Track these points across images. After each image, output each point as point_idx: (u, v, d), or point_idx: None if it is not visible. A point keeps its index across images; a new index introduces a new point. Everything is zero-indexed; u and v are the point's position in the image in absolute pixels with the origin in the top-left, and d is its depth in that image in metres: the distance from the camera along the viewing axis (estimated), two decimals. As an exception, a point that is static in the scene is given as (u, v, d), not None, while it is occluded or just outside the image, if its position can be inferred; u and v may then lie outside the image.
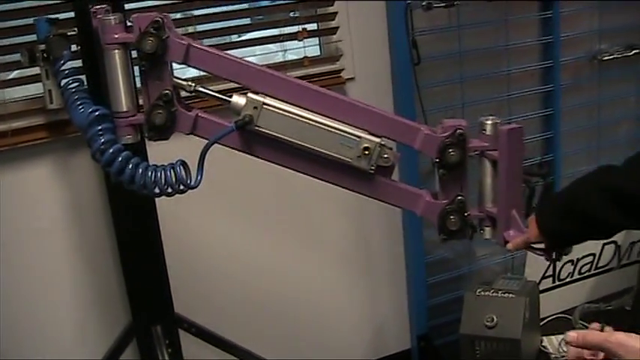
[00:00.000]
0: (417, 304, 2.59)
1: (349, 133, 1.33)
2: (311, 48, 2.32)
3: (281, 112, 1.30)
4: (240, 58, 1.35)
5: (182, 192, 1.33)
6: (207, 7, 2.19)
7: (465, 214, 1.42)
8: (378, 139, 1.34)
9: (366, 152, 1.33)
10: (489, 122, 1.41)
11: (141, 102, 1.35)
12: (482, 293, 2.28)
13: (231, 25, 2.23)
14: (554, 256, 1.51)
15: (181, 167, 1.32)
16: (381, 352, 2.70)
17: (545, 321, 2.46)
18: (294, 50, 2.33)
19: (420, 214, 1.45)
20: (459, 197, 1.42)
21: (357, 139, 1.33)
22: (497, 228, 1.45)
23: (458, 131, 1.36)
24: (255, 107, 1.29)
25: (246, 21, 2.30)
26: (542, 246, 1.47)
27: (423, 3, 2.28)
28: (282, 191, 2.36)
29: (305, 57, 2.28)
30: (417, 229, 2.48)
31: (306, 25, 2.26)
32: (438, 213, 1.43)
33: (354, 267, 2.57)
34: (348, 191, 2.37)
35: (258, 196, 2.35)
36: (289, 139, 1.32)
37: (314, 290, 2.52)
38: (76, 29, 1.81)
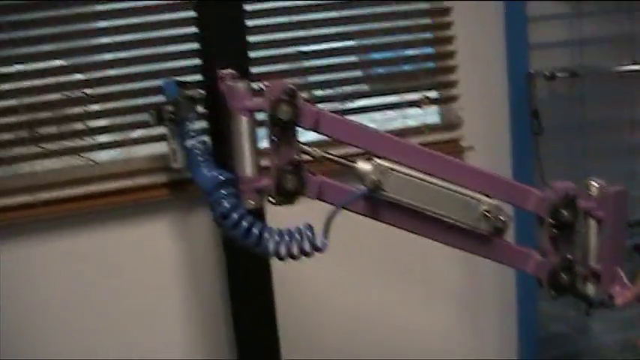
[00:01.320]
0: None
1: (470, 197, 1.35)
2: (430, 115, 2.32)
3: (407, 176, 1.31)
4: (365, 125, 1.36)
5: (309, 256, 1.33)
6: (324, 74, 2.22)
7: (574, 271, 1.45)
8: (496, 202, 1.37)
9: (487, 215, 1.35)
10: (596, 185, 1.45)
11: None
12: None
13: (350, 91, 2.24)
14: None
15: (309, 231, 1.32)
16: None
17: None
18: (413, 117, 2.32)
19: (530, 272, 1.48)
20: (569, 256, 1.45)
21: (477, 202, 1.35)
22: (602, 284, 1.47)
23: (569, 193, 1.40)
24: (382, 172, 1.30)
25: (366, 88, 2.30)
26: None
27: (546, 72, 2.25)
28: (393, 240, 2.28)
29: (424, 124, 2.27)
30: (530, 303, 2.41)
31: (427, 93, 2.26)
32: (548, 270, 1.45)
33: (463, 328, 2.51)
34: (461, 258, 2.36)
35: (369, 243, 2.30)
36: (414, 204, 1.32)
37: (421, 339, 2.47)
38: (202, 92, 1.87)
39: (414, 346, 2.45)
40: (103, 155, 2.15)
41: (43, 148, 2.04)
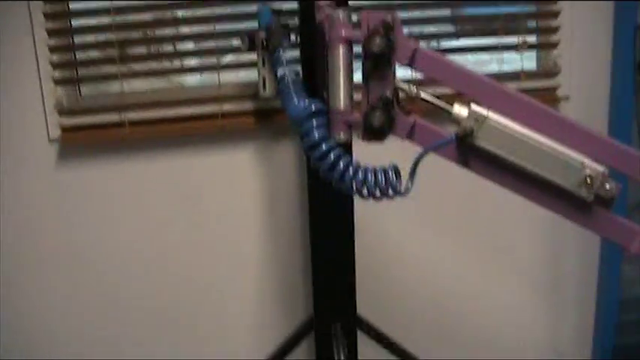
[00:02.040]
0: (603, 341, 2.44)
1: (573, 158, 1.24)
2: (527, 62, 2.23)
3: (503, 127, 1.24)
4: (465, 66, 1.29)
5: (390, 197, 1.29)
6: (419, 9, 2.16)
7: None
8: (602, 169, 1.23)
9: (589, 181, 1.23)
10: None
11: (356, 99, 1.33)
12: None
13: (446, 31, 2.18)
14: None
15: (393, 172, 1.28)
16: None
17: None
18: (509, 61, 2.24)
19: (633, 251, 1.33)
20: None
21: (580, 165, 1.23)
22: None
23: None
24: (477, 120, 1.23)
25: (462, 28, 2.23)
26: None
27: (654, 25, 2.14)
28: (478, 205, 2.29)
29: (521, 70, 2.19)
30: (614, 263, 2.34)
31: (526, 37, 2.17)
32: None
33: (540, 292, 2.46)
34: (544, 212, 2.31)
35: (454, 207, 2.30)
36: (508, 157, 1.25)
37: (496, 309, 2.44)
38: (297, 21, 1.83)
39: (490, 299, 2.42)
40: (191, 79, 2.15)
41: (132, 68, 2.05)
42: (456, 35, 2.22)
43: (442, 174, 2.16)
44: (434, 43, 2.25)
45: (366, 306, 2.15)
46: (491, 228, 2.36)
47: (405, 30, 1.27)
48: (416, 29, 2.18)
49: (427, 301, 2.37)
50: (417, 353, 2.22)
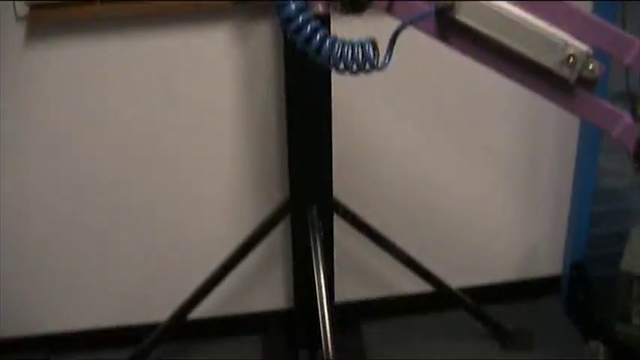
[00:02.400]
0: (577, 230, 2.47)
1: (555, 36, 1.21)
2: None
3: (485, 2, 1.21)
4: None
5: (367, 72, 1.26)
6: None
7: None
8: (585, 48, 1.21)
9: (571, 60, 1.20)
10: None
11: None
12: (652, 233, 2.17)
13: None
14: None
15: (370, 46, 1.25)
16: (530, 273, 2.61)
17: None
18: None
19: (615, 136, 1.32)
20: None
21: (563, 43, 1.20)
22: None
23: None
24: (456, -6, 1.20)
25: None
26: None
27: None
28: (458, 95, 2.27)
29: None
30: (592, 152, 2.34)
31: None
32: (636, 138, 1.30)
33: (517, 179, 2.47)
34: (524, 102, 2.29)
35: (433, 96, 2.27)
36: (489, 33, 1.22)
37: (472, 197, 2.45)
38: None
39: (466, 187, 2.43)
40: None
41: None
42: None
43: (425, 65, 2.15)
44: None
45: (342, 191, 2.16)
46: (471, 120, 2.34)
47: None
48: None
49: (403, 188, 2.37)
50: (391, 238, 2.24)
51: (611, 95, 2.11)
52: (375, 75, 1.27)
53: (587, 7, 2.14)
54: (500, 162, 2.43)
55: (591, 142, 2.32)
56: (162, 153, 2.19)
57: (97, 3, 1.95)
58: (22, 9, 1.96)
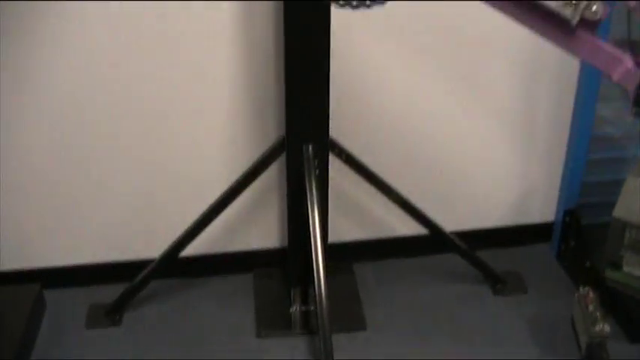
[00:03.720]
0: (572, 177, 2.48)
1: (560, -23, 1.20)
2: None
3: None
4: None
5: (368, 6, 1.25)
6: None
7: None
8: (589, -12, 1.21)
9: (574, 1, 1.20)
10: None
11: None
12: (646, 180, 2.17)
13: None
14: None
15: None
16: (523, 218, 2.63)
17: None
18: None
19: (615, 80, 1.32)
20: None
21: (567, -17, 1.20)
22: None
23: None
24: None
25: None
26: None
27: None
28: (457, 40, 2.25)
29: None
30: (590, 100, 2.33)
31: None
32: (637, 83, 1.29)
33: (514, 125, 2.46)
34: (523, 48, 2.27)
35: (434, 40, 2.25)
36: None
37: (469, 140, 2.44)
38: None
39: (463, 130, 2.43)
40: None
41: None
42: None
43: (426, 7, 2.13)
44: None
45: (339, 131, 2.16)
46: (470, 63, 2.32)
47: None
48: None
49: (401, 132, 2.36)
50: (387, 179, 2.24)
51: (612, 41, 2.11)
52: (374, 14, 1.25)
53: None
54: (498, 109, 2.42)
55: (590, 90, 2.31)
56: (157, 91, 2.16)
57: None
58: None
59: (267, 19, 2.10)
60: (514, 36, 2.23)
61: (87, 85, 2.13)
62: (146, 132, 2.22)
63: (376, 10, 1.26)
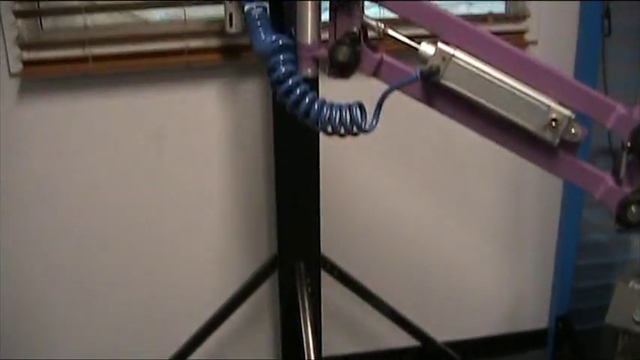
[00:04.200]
0: (562, 284, 2.49)
1: (539, 101, 1.23)
2: (497, 3, 2.24)
3: (470, 67, 1.23)
4: (433, 4, 1.28)
5: (354, 134, 1.29)
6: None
7: None
8: (568, 112, 1.23)
9: (554, 124, 1.23)
10: None
11: (324, 37, 1.32)
12: (636, 286, 2.17)
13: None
14: None
15: (358, 109, 1.28)
16: (517, 326, 2.62)
17: (700, 325, 2.32)
18: (479, 4, 2.25)
19: (598, 197, 1.34)
20: None
21: (547, 108, 1.23)
22: None
23: None
24: (444, 58, 1.22)
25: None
26: None
27: (623, -30, 2.14)
28: (443, 152, 2.31)
29: (490, 13, 2.19)
30: (576, 207, 2.37)
31: (495, -20, 2.17)
32: (619, 201, 1.31)
33: (502, 235, 2.49)
34: (508, 160, 2.32)
35: (419, 155, 2.31)
36: (473, 98, 1.25)
37: (459, 252, 2.47)
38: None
39: (452, 244, 2.46)
40: (156, 14, 2.11)
41: (95, 2, 2.00)
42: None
43: (411, 121, 2.19)
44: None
45: (330, 247, 2.17)
46: (456, 176, 2.38)
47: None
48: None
49: (391, 244, 2.39)
50: (379, 294, 2.25)
51: (593, 150, 2.16)
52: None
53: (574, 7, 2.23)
54: (486, 218, 2.46)
55: (575, 197, 2.35)
56: (152, 209, 2.20)
57: (88, 60, 1.98)
58: (16, 65, 1.99)
59: (257, 139, 2.16)
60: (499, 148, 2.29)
61: (82, 203, 2.16)
62: (141, 251, 2.24)
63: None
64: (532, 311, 2.61)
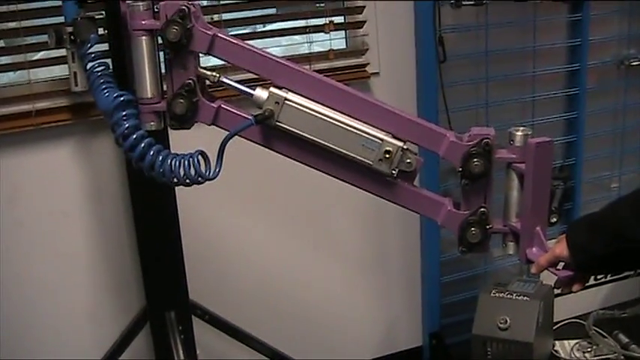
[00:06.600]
0: (430, 301, 2.58)
1: (371, 135, 1.30)
2: (337, 41, 2.32)
3: (303, 108, 1.29)
4: (265, 51, 1.33)
5: (199, 183, 1.33)
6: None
7: (487, 226, 1.38)
8: (400, 143, 1.31)
9: (387, 156, 1.30)
10: (519, 133, 1.35)
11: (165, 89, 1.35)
12: (497, 294, 2.28)
13: (257, 14, 2.24)
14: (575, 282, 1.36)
15: (199, 158, 1.31)
16: (392, 347, 2.69)
17: (558, 325, 2.46)
18: (320, 42, 2.32)
19: (440, 223, 1.42)
20: (482, 209, 1.37)
21: (379, 141, 1.30)
22: (520, 244, 1.39)
23: (484, 141, 1.31)
24: (277, 102, 1.28)
25: (272, 11, 2.30)
26: (568, 273, 1.35)
27: (452, 0, 2.27)
28: (299, 186, 2.35)
29: (330, 49, 2.27)
30: (434, 226, 2.45)
31: (333, 18, 2.25)
32: (459, 224, 1.39)
33: (368, 262, 2.57)
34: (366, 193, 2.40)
35: (275, 190, 2.36)
36: (310, 137, 1.30)
37: (326, 283, 2.52)
38: (103, 13, 1.82)
39: (318, 275, 2.50)
40: (1, 78, 2.09)
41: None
42: (269, 19, 2.30)
43: (262, 162, 2.22)
44: (260, 27, 2.33)
45: (200, 292, 2.19)
46: (318, 212, 2.45)
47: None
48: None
49: (255, 282, 2.42)
50: (254, 332, 2.28)
51: (444, 172, 2.27)
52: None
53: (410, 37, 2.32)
54: (350, 249, 2.53)
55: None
56: (17, 271, 2.13)
57: None
58: None
59: (116, 193, 2.15)
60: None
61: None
62: (5, 318, 2.17)
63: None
64: (406, 331, 2.69)
